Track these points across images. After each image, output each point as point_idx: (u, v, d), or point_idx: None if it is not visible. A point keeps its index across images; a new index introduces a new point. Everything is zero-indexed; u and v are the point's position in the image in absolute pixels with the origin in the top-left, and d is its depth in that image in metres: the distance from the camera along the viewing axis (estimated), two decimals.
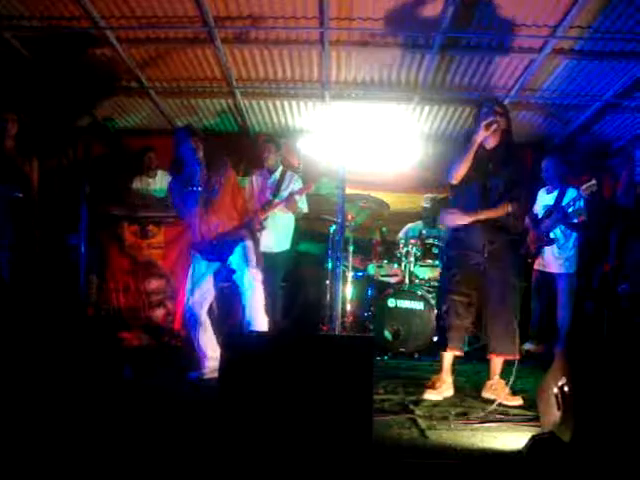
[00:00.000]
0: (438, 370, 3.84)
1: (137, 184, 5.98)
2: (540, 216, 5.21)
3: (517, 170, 3.79)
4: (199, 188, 4.04)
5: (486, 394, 3.74)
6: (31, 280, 4.69)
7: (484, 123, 3.58)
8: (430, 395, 3.64)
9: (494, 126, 3.61)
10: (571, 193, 5.02)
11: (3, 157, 4.51)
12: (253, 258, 4.12)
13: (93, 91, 5.92)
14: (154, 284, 5.41)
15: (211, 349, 4.10)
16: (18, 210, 4.54)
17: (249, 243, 4.15)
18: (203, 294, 4.16)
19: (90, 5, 4.39)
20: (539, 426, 3.00)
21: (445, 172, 3.82)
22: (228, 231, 4.13)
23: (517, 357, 3.67)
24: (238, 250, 4.10)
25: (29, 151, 4.75)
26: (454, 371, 3.86)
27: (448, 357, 3.79)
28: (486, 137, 3.65)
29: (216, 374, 4.05)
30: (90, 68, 5.41)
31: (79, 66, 5.38)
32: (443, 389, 3.70)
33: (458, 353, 3.81)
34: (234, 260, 4.09)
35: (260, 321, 4.05)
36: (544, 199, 5.29)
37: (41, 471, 2.25)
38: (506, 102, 5.65)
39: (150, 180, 5.99)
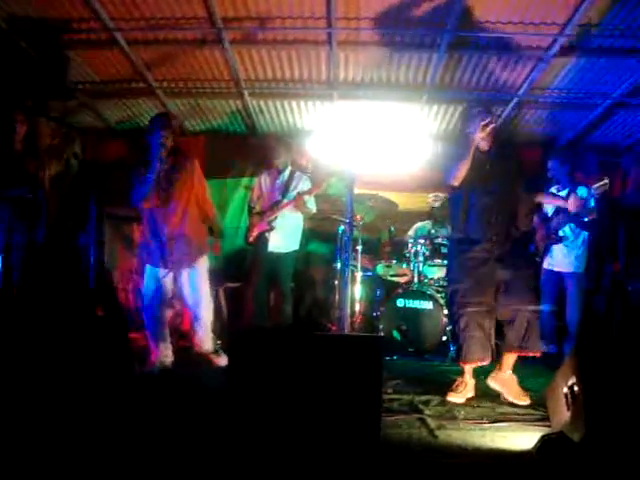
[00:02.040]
0: (450, 371, 3.83)
1: None
2: (549, 214, 5.19)
3: (518, 166, 3.80)
4: (152, 177, 4.08)
5: (493, 384, 3.73)
6: (41, 280, 4.73)
7: (482, 123, 3.60)
8: (452, 398, 3.64)
9: (491, 126, 3.63)
10: (581, 192, 4.99)
11: (12, 158, 4.54)
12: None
13: (101, 91, 5.95)
14: None
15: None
16: (28, 211, 4.58)
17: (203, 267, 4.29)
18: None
19: (100, 7, 4.42)
20: (549, 426, 3.00)
21: (444, 174, 3.81)
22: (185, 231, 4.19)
23: (540, 354, 3.69)
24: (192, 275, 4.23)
25: (38, 152, 4.78)
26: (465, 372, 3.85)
27: (469, 366, 3.77)
28: (482, 139, 3.67)
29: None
30: (99, 69, 5.43)
31: (88, 67, 5.41)
32: (466, 392, 3.69)
33: (485, 363, 3.75)
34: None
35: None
36: None
37: (51, 467, 2.27)
38: (514, 101, 5.65)
39: None
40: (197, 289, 4.25)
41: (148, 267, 4.26)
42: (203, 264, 4.32)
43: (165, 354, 4.27)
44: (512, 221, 3.75)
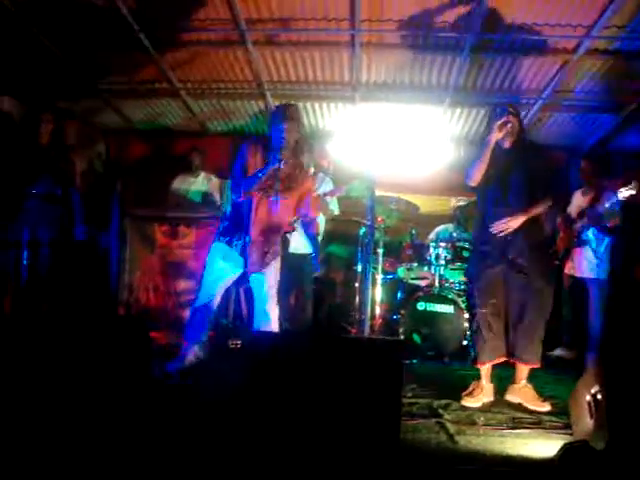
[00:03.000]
0: (470, 375, 3.79)
1: (177, 184, 6.05)
2: (574, 216, 5.12)
3: (540, 167, 3.73)
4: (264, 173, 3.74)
5: (510, 397, 3.69)
6: (65, 278, 4.78)
7: (497, 124, 3.55)
8: (467, 403, 3.59)
9: (508, 126, 3.57)
10: (607, 196, 4.93)
11: (40, 154, 4.59)
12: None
13: (126, 92, 6.01)
14: (183, 284, 5.44)
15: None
16: (56, 207, 4.63)
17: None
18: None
19: (125, 9, 4.46)
20: (571, 434, 2.95)
21: (464, 174, 3.77)
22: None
23: (538, 365, 3.64)
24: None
25: (65, 148, 4.84)
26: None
27: (486, 367, 3.74)
28: (501, 138, 3.62)
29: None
30: (123, 70, 5.49)
31: (113, 68, 5.47)
32: (482, 396, 3.65)
33: (497, 362, 3.71)
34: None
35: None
36: (579, 200, 5.20)
37: (69, 465, 2.29)
38: (538, 104, 5.59)
39: (192, 180, 6.06)
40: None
41: (221, 262, 3.96)
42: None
43: (198, 354, 4.21)
44: (531, 225, 3.66)
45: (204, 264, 4.07)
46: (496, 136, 3.58)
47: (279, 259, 4.11)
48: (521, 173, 3.64)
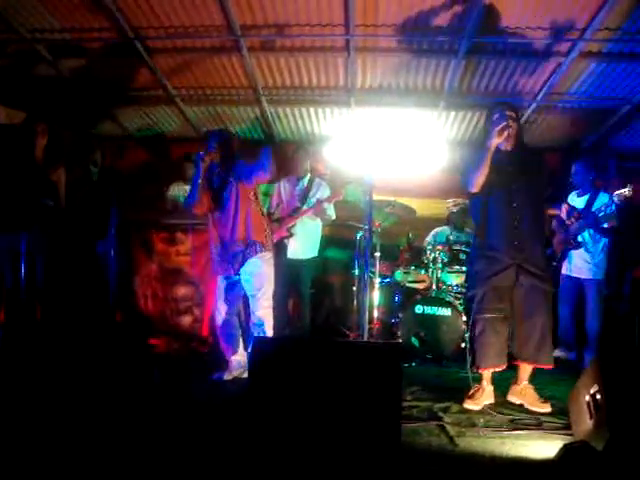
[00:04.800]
0: (468, 378, 3.80)
1: (173, 191, 6.05)
2: (569, 218, 5.13)
3: (540, 168, 3.75)
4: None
5: (513, 398, 3.70)
6: (63, 285, 4.79)
7: (497, 129, 3.50)
8: (469, 405, 3.60)
9: (507, 131, 3.54)
10: (602, 198, 4.95)
11: (34, 167, 4.61)
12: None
13: (120, 100, 6.01)
14: (182, 291, 5.44)
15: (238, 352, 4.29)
16: (50, 217, 4.65)
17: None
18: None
19: (119, 16, 4.47)
20: (571, 434, 2.97)
21: (463, 180, 3.75)
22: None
23: (552, 366, 3.65)
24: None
25: (56, 160, 4.85)
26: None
27: (488, 371, 3.73)
28: (501, 142, 3.60)
29: (236, 374, 4.14)
30: (118, 77, 5.50)
31: (107, 76, 5.47)
32: (483, 399, 3.66)
33: (500, 369, 3.71)
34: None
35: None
36: (575, 202, 5.20)
37: (70, 467, 2.29)
38: (533, 106, 5.62)
39: (186, 188, 6.06)
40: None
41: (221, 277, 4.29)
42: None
43: (240, 360, 4.27)
44: (536, 226, 3.68)
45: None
46: (496, 141, 3.53)
47: (262, 262, 4.21)
48: (524, 175, 3.63)
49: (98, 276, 4.90)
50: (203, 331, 5.37)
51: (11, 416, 3.00)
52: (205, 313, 5.36)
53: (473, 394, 3.69)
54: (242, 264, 4.15)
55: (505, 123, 3.52)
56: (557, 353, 5.06)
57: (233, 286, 4.26)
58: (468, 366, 3.75)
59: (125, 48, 4.92)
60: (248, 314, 4.40)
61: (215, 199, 4.21)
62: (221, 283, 4.27)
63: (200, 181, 4.12)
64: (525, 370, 3.71)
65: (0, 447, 2.57)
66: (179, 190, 6.05)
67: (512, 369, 3.78)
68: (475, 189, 3.66)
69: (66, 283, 4.93)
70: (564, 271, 5.18)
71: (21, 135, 4.71)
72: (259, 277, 4.18)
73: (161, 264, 5.41)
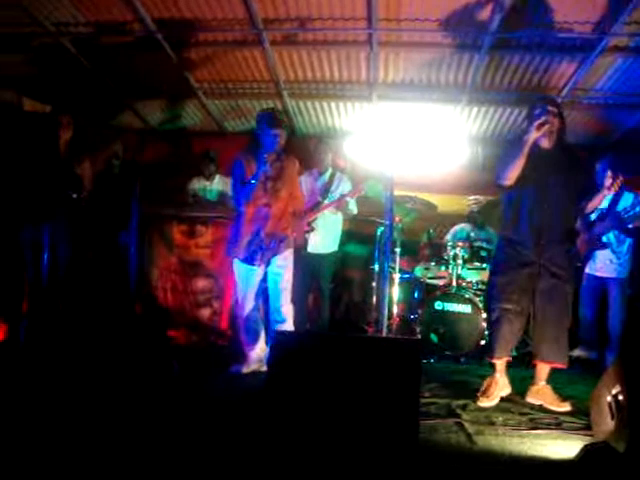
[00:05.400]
0: (487, 375, 3.77)
1: (194, 184, 6.08)
2: (593, 219, 5.06)
3: (580, 169, 3.70)
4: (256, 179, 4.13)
5: (531, 399, 3.66)
6: (84, 277, 4.84)
7: (536, 123, 3.45)
8: (484, 403, 3.57)
9: (547, 126, 3.48)
10: (627, 197, 4.86)
11: (58, 159, 4.66)
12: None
13: (143, 93, 6.05)
14: (201, 284, 5.46)
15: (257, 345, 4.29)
16: (73, 210, 4.70)
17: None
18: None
19: (143, 10, 4.49)
20: (591, 435, 2.93)
21: (496, 174, 3.70)
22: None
23: (566, 365, 3.63)
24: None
25: (81, 152, 4.90)
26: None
27: (500, 361, 3.72)
28: (539, 137, 3.54)
29: (254, 367, 4.16)
30: (140, 71, 5.53)
31: (130, 69, 5.51)
32: (497, 392, 3.63)
33: (507, 359, 3.73)
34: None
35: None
36: (600, 201, 5.13)
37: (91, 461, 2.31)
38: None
39: (207, 183, 6.08)
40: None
41: (243, 266, 4.23)
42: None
43: (259, 354, 4.29)
44: (565, 226, 3.65)
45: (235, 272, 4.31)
46: (534, 136, 3.48)
47: (291, 257, 4.29)
48: (561, 175, 3.58)
49: (119, 268, 4.94)
50: (222, 324, 5.39)
51: (33, 406, 3.04)
52: (224, 306, 5.38)
53: (486, 389, 3.67)
54: (273, 257, 4.19)
55: (545, 118, 3.48)
56: (578, 352, 5.00)
57: (259, 279, 4.26)
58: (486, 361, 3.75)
59: (148, 42, 4.94)
60: (267, 309, 4.41)
61: (271, 193, 4.21)
62: (246, 274, 4.22)
63: (257, 180, 4.11)
64: (542, 370, 3.67)
65: (23, 433, 2.60)
66: (199, 184, 6.08)
67: (531, 369, 3.75)
68: (508, 182, 3.60)
69: (88, 274, 4.98)
70: (587, 270, 5.11)
71: (46, 126, 4.76)
72: (290, 271, 4.26)
73: (181, 257, 5.43)
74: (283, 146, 4.24)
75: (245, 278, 4.23)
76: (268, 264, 4.21)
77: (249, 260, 4.19)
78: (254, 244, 4.18)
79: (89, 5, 4.54)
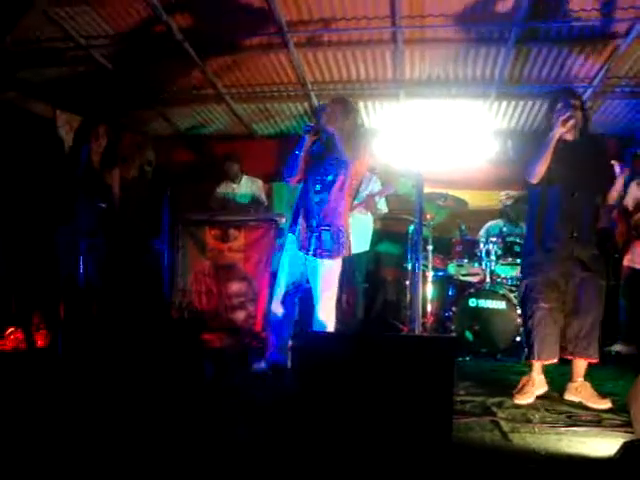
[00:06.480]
0: (524, 372, 3.72)
1: (222, 189, 6.15)
2: (630, 209, 4.96)
3: (604, 161, 3.63)
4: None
5: (570, 396, 3.60)
6: (119, 283, 4.93)
7: (562, 119, 3.42)
8: (520, 400, 3.51)
9: (572, 121, 3.45)
10: None
11: (91, 171, 4.76)
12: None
13: (172, 99, 6.13)
14: (235, 287, 5.51)
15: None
16: (105, 218, 4.80)
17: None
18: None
19: (169, 19, 4.56)
20: (631, 432, 2.86)
21: (524, 170, 3.65)
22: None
23: (597, 360, 3.55)
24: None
25: (111, 162, 5.00)
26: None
27: (539, 362, 3.66)
28: (564, 132, 3.50)
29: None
30: (169, 78, 5.61)
31: (159, 77, 5.59)
32: (534, 390, 3.57)
33: (555, 361, 3.63)
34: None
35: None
36: (636, 192, 5.04)
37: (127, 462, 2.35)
38: (589, 92, 5.44)
39: (234, 186, 6.14)
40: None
41: (290, 253, 4.00)
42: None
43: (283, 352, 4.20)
44: (593, 219, 3.60)
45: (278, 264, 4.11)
46: (559, 132, 3.46)
47: (338, 260, 3.99)
48: (587, 166, 3.53)
49: (153, 274, 5.02)
50: (257, 326, 5.43)
51: (73, 410, 3.11)
52: (259, 309, 5.42)
53: (522, 387, 3.61)
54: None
55: (570, 113, 3.45)
56: (618, 347, 4.91)
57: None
58: (522, 359, 3.68)
59: (175, 50, 5.01)
60: (302, 311, 4.35)
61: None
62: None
63: (302, 154, 3.83)
64: (579, 366, 3.60)
65: (67, 434, 2.67)
66: (227, 188, 6.14)
67: (567, 363, 3.69)
68: (535, 180, 3.58)
69: (122, 281, 5.07)
70: (626, 262, 5.01)
71: (80, 136, 4.87)
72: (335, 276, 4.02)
73: (214, 261, 5.49)
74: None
75: (287, 268, 4.07)
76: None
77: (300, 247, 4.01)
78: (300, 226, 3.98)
79: (116, 17, 4.64)
